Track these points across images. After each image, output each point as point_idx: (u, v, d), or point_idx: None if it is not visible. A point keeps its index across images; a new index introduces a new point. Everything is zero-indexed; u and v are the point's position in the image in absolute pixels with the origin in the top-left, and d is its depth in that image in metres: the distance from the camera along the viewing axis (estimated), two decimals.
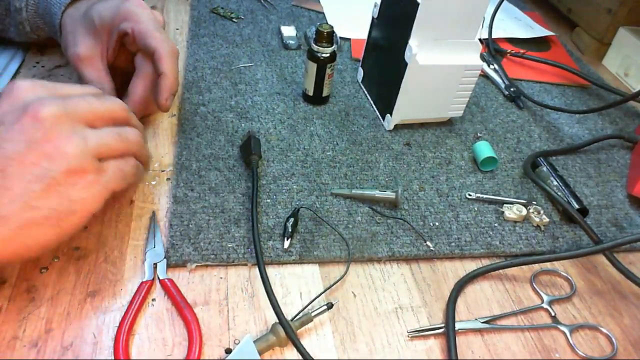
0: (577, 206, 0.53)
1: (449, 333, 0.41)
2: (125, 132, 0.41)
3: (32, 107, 0.36)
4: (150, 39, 0.50)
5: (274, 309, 0.39)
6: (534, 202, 0.55)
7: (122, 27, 0.51)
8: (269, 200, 0.50)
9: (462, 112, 0.62)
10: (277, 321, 0.39)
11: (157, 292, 0.42)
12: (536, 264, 0.49)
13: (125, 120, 0.42)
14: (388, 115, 0.61)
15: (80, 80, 0.53)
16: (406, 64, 0.55)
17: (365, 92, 0.68)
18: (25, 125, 0.35)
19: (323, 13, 0.85)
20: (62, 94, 0.39)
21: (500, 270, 0.48)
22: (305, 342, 0.40)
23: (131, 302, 0.40)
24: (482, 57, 0.77)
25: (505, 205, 0.54)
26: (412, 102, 0.59)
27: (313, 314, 0.41)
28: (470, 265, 0.48)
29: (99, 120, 0.39)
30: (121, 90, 0.54)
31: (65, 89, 0.40)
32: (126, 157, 0.41)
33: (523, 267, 0.48)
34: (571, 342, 0.43)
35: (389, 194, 0.51)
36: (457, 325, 0.42)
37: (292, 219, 0.47)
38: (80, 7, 0.54)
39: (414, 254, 0.48)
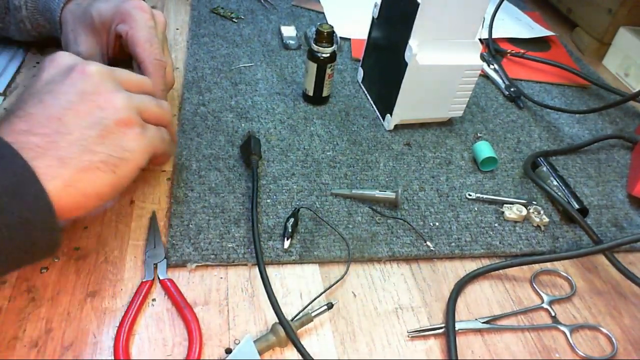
0: (577, 206, 0.53)
1: (449, 333, 0.41)
2: (159, 100, 0.45)
3: (79, 65, 0.39)
4: (139, 49, 0.50)
5: (274, 309, 0.39)
6: (534, 202, 0.55)
7: (118, 29, 0.51)
8: (269, 200, 0.50)
9: (462, 112, 0.62)
10: (277, 321, 0.39)
11: (157, 292, 0.42)
12: (536, 264, 0.49)
13: (153, 94, 0.45)
14: (388, 115, 0.61)
15: None
16: (406, 64, 0.55)
17: (365, 92, 0.68)
18: (75, 79, 0.38)
19: (323, 13, 0.85)
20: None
21: (500, 270, 0.48)
22: (305, 342, 0.40)
23: (131, 302, 0.40)
24: (482, 57, 0.77)
25: (505, 205, 0.54)
26: (412, 102, 0.59)
27: (313, 314, 0.41)
28: (470, 265, 0.48)
29: (135, 87, 0.42)
30: None
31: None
32: (160, 126, 0.44)
33: (523, 267, 0.48)
34: (571, 342, 0.43)
35: (389, 194, 0.51)
36: (457, 325, 0.42)
37: (292, 219, 0.47)
38: (81, 3, 0.54)
39: (414, 254, 0.48)
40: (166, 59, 0.53)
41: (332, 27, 0.59)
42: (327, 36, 0.59)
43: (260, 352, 0.38)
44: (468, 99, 0.61)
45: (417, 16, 0.53)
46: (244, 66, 0.69)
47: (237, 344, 0.38)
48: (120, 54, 0.55)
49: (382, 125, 0.63)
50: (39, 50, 0.65)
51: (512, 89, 0.72)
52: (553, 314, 0.45)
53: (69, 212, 0.36)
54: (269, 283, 0.40)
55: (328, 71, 0.61)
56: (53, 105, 0.37)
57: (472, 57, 0.58)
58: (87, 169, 0.36)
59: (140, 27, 0.50)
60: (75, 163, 0.36)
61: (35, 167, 0.34)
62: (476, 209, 0.53)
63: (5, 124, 0.36)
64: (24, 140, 0.35)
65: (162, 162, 0.49)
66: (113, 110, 0.38)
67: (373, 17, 0.63)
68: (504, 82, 0.74)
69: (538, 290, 0.47)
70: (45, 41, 0.63)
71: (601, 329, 0.44)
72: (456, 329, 0.42)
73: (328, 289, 0.44)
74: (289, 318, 0.40)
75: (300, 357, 0.38)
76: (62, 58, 0.40)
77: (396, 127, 0.62)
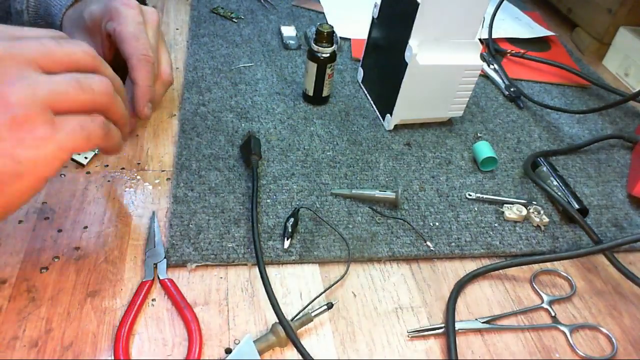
0: (577, 206, 0.53)
1: (449, 333, 0.41)
2: (88, 79, 0.34)
3: None
4: (125, 45, 0.49)
5: (274, 309, 0.39)
6: (534, 202, 0.55)
7: (107, 27, 0.50)
8: (269, 200, 0.50)
9: (462, 112, 0.62)
10: (277, 321, 0.39)
11: (157, 292, 0.42)
12: (536, 264, 0.49)
13: (92, 68, 0.35)
14: (388, 115, 0.61)
15: None
16: (406, 64, 0.55)
17: (365, 92, 0.68)
18: None
19: (323, 13, 0.85)
20: (12, 35, 0.33)
21: (500, 270, 0.48)
22: (305, 342, 0.40)
23: (131, 302, 0.40)
24: (482, 57, 0.77)
25: (505, 205, 0.54)
26: (412, 102, 0.59)
27: (313, 314, 0.41)
28: (470, 265, 0.48)
29: (56, 65, 0.33)
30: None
31: (19, 30, 0.34)
32: (92, 113, 0.35)
33: (523, 267, 0.48)
34: (571, 342, 0.43)
35: (389, 194, 0.51)
36: (457, 325, 0.42)
37: (292, 219, 0.47)
38: (77, 8, 0.54)
39: (414, 254, 0.48)
40: (162, 55, 0.53)
41: (332, 27, 0.59)
42: (327, 36, 0.59)
43: (260, 352, 0.38)
44: (468, 99, 0.61)
45: (417, 16, 0.53)
46: (244, 66, 0.69)
47: (237, 344, 0.38)
48: (119, 52, 0.55)
49: (382, 125, 0.63)
50: None
51: (512, 89, 0.72)
52: (553, 314, 0.45)
53: None
54: (269, 283, 0.40)
55: (328, 71, 0.61)
56: None
57: (472, 57, 0.58)
58: None
59: (127, 23, 0.49)
60: None
61: None
62: (476, 209, 0.53)
63: None
64: None
65: (111, 151, 0.39)
66: (5, 109, 0.30)
67: (373, 17, 0.63)
68: (504, 82, 0.74)
69: (538, 290, 0.47)
70: None
71: (601, 329, 0.44)
72: (456, 329, 0.42)
73: (328, 289, 0.44)
74: (289, 318, 0.40)
75: (300, 357, 0.38)
76: None
77: (396, 127, 0.62)
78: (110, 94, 0.36)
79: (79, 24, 0.53)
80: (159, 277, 0.42)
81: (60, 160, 0.33)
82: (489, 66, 0.77)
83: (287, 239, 0.46)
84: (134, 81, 0.49)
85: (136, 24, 0.50)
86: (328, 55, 0.59)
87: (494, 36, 0.83)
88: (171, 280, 0.42)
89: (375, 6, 0.62)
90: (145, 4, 0.62)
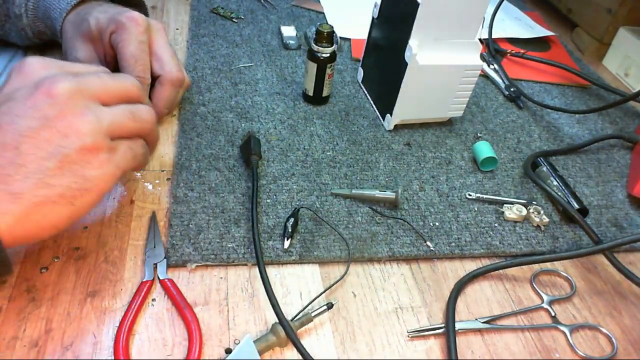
0: (577, 206, 0.53)
1: (449, 333, 0.41)
2: (138, 110, 0.41)
3: (45, 83, 0.35)
4: (124, 64, 0.50)
5: (274, 309, 0.39)
6: (534, 202, 0.55)
7: (112, 40, 0.51)
8: (269, 200, 0.50)
9: (462, 112, 0.62)
10: (277, 321, 0.39)
11: (157, 292, 0.42)
12: (536, 264, 0.49)
13: (137, 98, 0.42)
14: (388, 115, 0.61)
15: None
16: (406, 64, 0.55)
17: (365, 92, 0.68)
18: (39, 101, 0.35)
19: (323, 13, 0.85)
20: (75, 71, 0.38)
21: (500, 270, 0.48)
22: (305, 342, 0.40)
23: (131, 302, 0.40)
24: (482, 57, 0.77)
25: (505, 205, 0.54)
26: (412, 102, 0.59)
27: (313, 314, 0.41)
28: (470, 265, 0.48)
29: (112, 98, 0.39)
30: None
31: (77, 67, 0.40)
32: (136, 138, 0.41)
33: (523, 267, 0.48)
34: (571, 342, 0.43)
35: (389, 194, 0.51)
36: (457, 325, 0.42)
37: (292, 219, 0.47)
38: (79, 12, 0.54)
39: (414, 254, 0.48)
40: (174, 62, 0.54)
41: (332, 27, 0.59)
42: (327, 36, 0.59)
43: (260, 352, 0.38)
44: (468, 99, 0.61)
45: (417, 16, 0.53)
46: (244, 66, 0.69)
47: (237, 344, 0.38)
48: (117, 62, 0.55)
49: (382, 125, 0.63)
50: (38, 50, 0.65)
51: (512, 89, 0.72)
52: (553, 314, 0.45)
53: (20, 242, 0.35)
54: (269, 283, 0.40)
55: (328, 71, 0.61)
56: (10, 132, 0.34)
57: (472, 57, 0.58)
58: (41, 204, 0.34)
59: (129, 41, 0.50)
60: (29, 198, 0.33)
61: None
62: (476, 209, 0.53)
63: None
64: None
65: (138, 169, 0.48)
66: (76, 137, 0.35)
67: (373, 17, 0.63)
68: (504, 82, 0.74)
69: (538, 290, 0.47)
70: (46, 44, 0.63)
71: (601, 329, 0.44)
72: (456, 329, 0.42)
73: (328, 289, 0.44)
74: (289, 318, 0.40)
75: (300, 357, 0.38)
76: (31, 69, 0.37)
77: (396, 127, 0.62)
78: (153, 122, 0.43)
79: (81, 28, 0.53)
80: (159, 277, 0.42)
81: (116, 177, 0.39)
82: (489, 66, 0.77)
83: (287, 239, 0.46)
84: None
85: (138, 43, 0.50)
86: (328, 55, 0.59)
87: (494, 36, 0.83)
88: (171, 280, 0.42)
89: (375, 6, 0.62)
90: (146, 11, 0.62)
